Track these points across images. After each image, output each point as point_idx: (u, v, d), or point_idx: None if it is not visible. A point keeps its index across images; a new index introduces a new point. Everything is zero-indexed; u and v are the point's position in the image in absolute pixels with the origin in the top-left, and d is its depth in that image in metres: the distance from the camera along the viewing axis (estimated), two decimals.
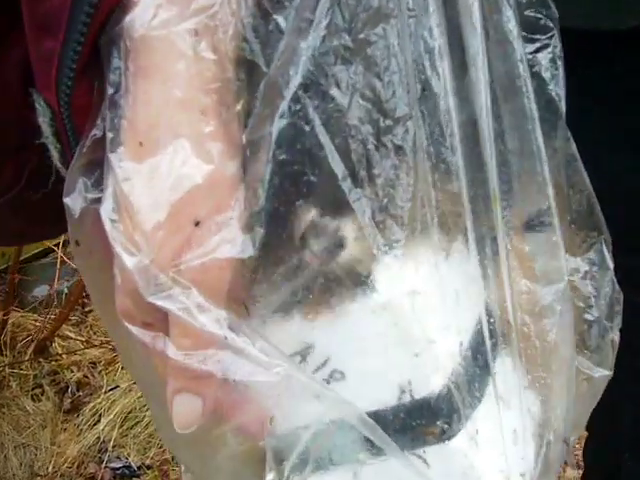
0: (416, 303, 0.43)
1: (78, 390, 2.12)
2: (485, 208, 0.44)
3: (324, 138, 0.34)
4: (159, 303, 0.35)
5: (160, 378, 0.38)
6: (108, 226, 0.35)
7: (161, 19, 0.33)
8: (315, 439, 0.42)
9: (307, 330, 0.42)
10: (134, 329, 0.37)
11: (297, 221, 0.37)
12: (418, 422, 0.43)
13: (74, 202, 0.38)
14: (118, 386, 2.06)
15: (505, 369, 0.48)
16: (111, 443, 1.93)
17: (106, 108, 0.36)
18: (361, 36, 0.35)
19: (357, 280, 0.41)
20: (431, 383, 0.43)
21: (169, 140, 0.34)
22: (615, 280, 0.50)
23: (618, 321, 0.51)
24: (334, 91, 0.34)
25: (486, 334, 0.46)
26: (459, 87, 0.42)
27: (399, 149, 0.36)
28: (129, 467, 1.90)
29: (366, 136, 0.36)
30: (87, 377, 2.15)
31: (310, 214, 0.37)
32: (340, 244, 0.39)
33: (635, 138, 0.63)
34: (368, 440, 0.43)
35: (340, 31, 0.34)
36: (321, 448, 0.43)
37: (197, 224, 0.35)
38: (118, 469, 1.90)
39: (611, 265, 0.50)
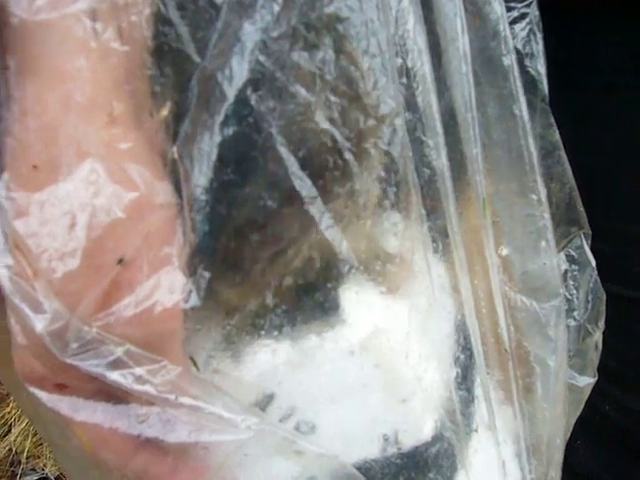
0: (395, 338, 0.35)
1: None
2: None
3: (283, 150, 0.25)
4: (82, 365, 0.27)
5: (84, 451, 0.31)
6: (2, 273, 0.27)
7: None
8: None
9: (266, 377, 0.34)
10: (45, 396, 0.30)
11: (252, 259, 0.28)
12: (408, 476, 0.36)
13: None
14: None
15: (489, 398, 0.41)
16: (24, 454, 1.81)
17: None
18: (328, 10, 0.25)
19: (327, 314, 0.33)
20: (422, 431, 0.36)
21: (73, 160, 0.26)
22: (597, 278, 0.45)
23: (601, 323, 0.46)
24: (295, 87, 0.25)
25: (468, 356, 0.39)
26: (435, 71, 0.34)
27: (386, 155, 0.28)
28: (46, 478, 1.79)
29: (342, 143, 0.27)
30: None
31: (267, 250, 0.28)
32: (308, 279, 0.31)
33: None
34: None
35: (300, 5, 0.25)
36: None
37: (120, 262, 0.27)
38: None
39: (592, 261, 0.45)
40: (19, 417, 1.84)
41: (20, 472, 1.76)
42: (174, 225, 0.27)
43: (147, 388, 0.27)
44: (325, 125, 0.26)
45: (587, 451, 0.64)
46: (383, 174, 0.28)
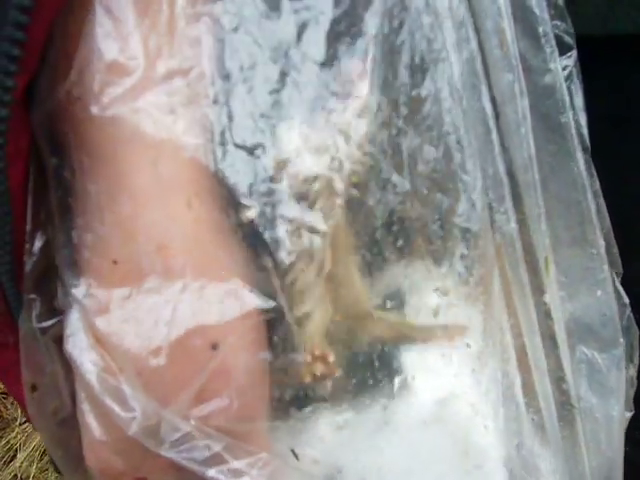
0: (462, 403, 0.34)
1: None
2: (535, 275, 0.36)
3: (387, 242, 0.24)
4: (179, 459, 0.26)
5: None
6: (89, 369, 0.26)
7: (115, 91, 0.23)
8: None
9: (334, 450, 0.32)
10: None
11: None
12: None
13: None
14: None
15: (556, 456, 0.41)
16: None
17: (52, 214, 0.26)
18: (415, 93, 0.25)
19: (388, 378, 0.32)
20: None
21: (154, 255, 0.25)
22: (632, 316, 0.45)
23: (636, 359, 0.46)
24: (395, 177, 0.24)
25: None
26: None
27: (466, 232, 0.27)
28: None
29: (430, 227, 0.26)
30: None
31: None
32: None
33: None
34: None
35: (393, 91, 0.24)
36: None
37: (215, 347, 0.25)
38: None
39: (626, 300, 0.45)
40: (24, 442, 1.82)
41: None
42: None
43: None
44: (419, 211, 0.25)
45: None
46: (466, 252, 0.28)
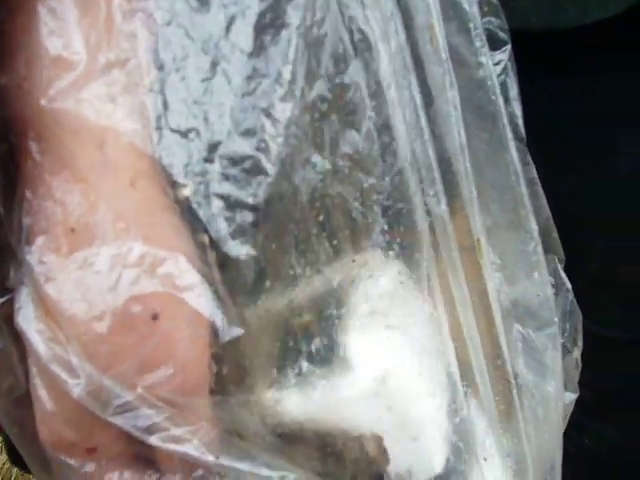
0: (401, 378, 0.36)
1: None
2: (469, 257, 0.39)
3: (310, 217, 0.26)
4: (124, 425, 0.27)
5: None
6: (35, 339, 0.27)
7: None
8: None
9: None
10: (75, 462, 0.30)
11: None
12: None
13: None
14: None
15: (493, 427, 0.43)
16: None
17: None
18: (339, 80, 0.27)
19: (329, 357, 0.34)
20: (433, 465, 0.37)
21: (108, 224, 0.26)
22: (574, 299, 0.47)
23: (580, 341, 0.48)
24: (315, 157, 0.26)
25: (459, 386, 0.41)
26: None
27: (389, 210, 0.29)
28: None
29: (350, 203, 0.28)
30: None
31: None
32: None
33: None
34: None
35: (317, 79, 0.26)
36: None
37: (155, 317, 0.27)
38: None
39: (568, 284, 0.47)
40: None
41: None
42: (207, 299, 0.28)
43: (187, 448, 0.27)
44: (338, 189, 0.28)
45: None
46: (386, 227, 0.30)
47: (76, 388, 0.27)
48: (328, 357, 0.35)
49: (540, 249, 0.42)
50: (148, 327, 0.27)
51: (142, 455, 0.30)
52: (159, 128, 0.25)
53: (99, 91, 0.26)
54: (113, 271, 0.26)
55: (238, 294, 0.26)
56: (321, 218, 0.27)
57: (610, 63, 0.55)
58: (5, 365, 0.31)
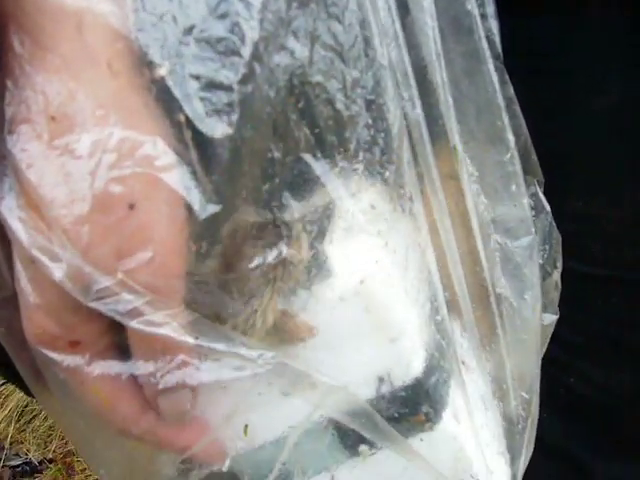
0: (381, 283, 0.37)
1: None
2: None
3: (288, 102, 0.27)
4: (105, 310, 0.28)
5: (102, 407, 0.32)
6: (17, 227, 0.27)
7: None
8: (295, 449, 0.37)
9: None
10: (58, 356, 0.30)
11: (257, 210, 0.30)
12: (402, 412, 0.39)
13: None
14: None
15: (473, 333, 0.44)
16: (8, 440, 1.79)
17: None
18: None
19: (313, 266, 0.35)
20: (412, 367, 0.39)
21: (88, 112, 0.27)
22: (553, 222, 0.48)
23: (559, 263, 0.49)
24: (292, 43, 0.27)
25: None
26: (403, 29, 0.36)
27: (371, 104, 0.30)
28: (29, 463, 1.77)
29: (333, 94, 0.29)
30: None
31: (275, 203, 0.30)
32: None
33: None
34: (343, 439, 0.38)
35: None
36: (298, 460, 0.38)
37: (132, 207, 0.27)
38: (18, 467, 1.76)
39: (547, 207, 0.48)
40: (2, 404, 1.82)
41: (4, 457, 1.75)
42: (184, 178, 0.29)
43: (167, 331, 0.28)
44: (318, 78, 0.28)
45: (553, 423, 0.66)
46: (370, 122, 0.30)
47: (57, 272, 0.27)
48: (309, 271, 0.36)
49: (517, 161, 0.43)
50: (127, 209, 0.27)
51: (122, 346, 0.31)
52: (135, 10, 0.25)
53: None
54: (93, 156, 0.26)
55: (214, 172, 0.27)
56: (301, 105, 0.28)
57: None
58: None
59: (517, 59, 0.56)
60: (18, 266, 0.29)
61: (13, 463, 1.76)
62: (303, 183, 0.29)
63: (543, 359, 0.48)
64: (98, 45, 0.27)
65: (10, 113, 0.27)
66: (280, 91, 0.27)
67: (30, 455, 1.77)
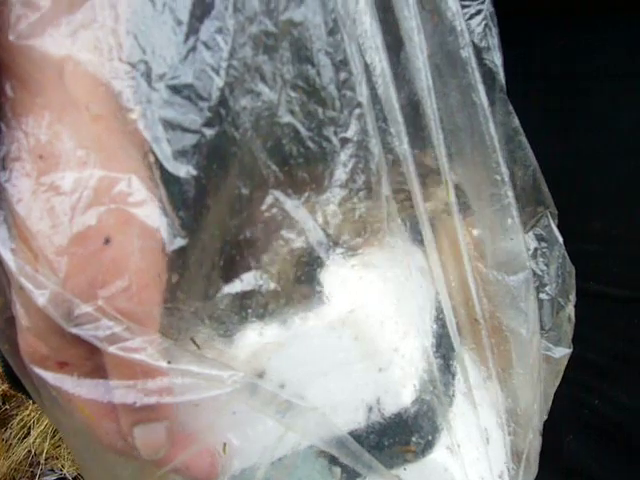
0: (371, 311, 0.38)
1: (4, 403, 2.00)
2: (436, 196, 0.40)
3: (255, 143, 0.28)
4: (85, 335, 0.30)
5: (88, 424, 0.34)
6: (7, 257, 0.30)
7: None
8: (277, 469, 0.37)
9: (257, 355, 0.37)
10: (49, 375, 0.32)
11: (232, 245, 0.31)
12: (392, 441, 0.39)
13: None
14: None
15: (464, 365, 0.44)
16: (43, 455, 1.83)
17: None
18: (284, 17, 0.29)
19: (308, 294, 0.36)
20: (401, 397, 0.39)
21: (71, 152, 0.29)
22: (566, 254, 0.47)
23: (572, 296, 0.49)
24: (260, 87, 0.28)
25: (448, 331, 0.42)
26: (395, 66, 0.37)
27: (347, 142, 0.31)
28: (64, 479, 1.81)
29: (303, 133, 0.30)
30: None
31: (244, 234, 0.31)
32: (287, 262, 0.34)
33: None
34: (336, 465, 0.39)
35: (259, 15, 0.28)
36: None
37: (107, 242, 0.29)
38: None
39: (560, 239, 0.47)
40: (38, 420, 1.86)
41: (39, 473, 1.78)
42: (155, 214, 0.30)
43: (143, 356, 0.30)
44: (288, 119, 0.29)
45: (578, 446, 0.65)
46: (346, 158, 0.31)
47: (41, 298, 0.29)
48: (306, 295, 0.37)
49: (512, 193, 0.43)
50: (102, 242, 0.29)
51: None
52: (111, 59, 0.27)
53: (61, 28, 0.28)
54: (75, 192, 0.28)
55: (181, 208, 0.28)
56: (270, 144, 0.29)
57: (610, 21, 0.55)
58: None
59: (533, 82, 0.57)
60: (13, 291, 0.31)
61: (48, 479, 1.79)
62: (273, 218, 0.30)
63: (566, 381, 0.48)
64: (78, 90, 0.29)
65: (4, 151, 0.30)
66: (247, 132, 0.28)
67: (65, 471, 1.81)
